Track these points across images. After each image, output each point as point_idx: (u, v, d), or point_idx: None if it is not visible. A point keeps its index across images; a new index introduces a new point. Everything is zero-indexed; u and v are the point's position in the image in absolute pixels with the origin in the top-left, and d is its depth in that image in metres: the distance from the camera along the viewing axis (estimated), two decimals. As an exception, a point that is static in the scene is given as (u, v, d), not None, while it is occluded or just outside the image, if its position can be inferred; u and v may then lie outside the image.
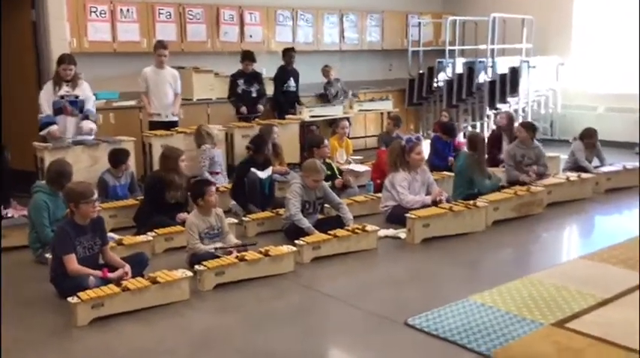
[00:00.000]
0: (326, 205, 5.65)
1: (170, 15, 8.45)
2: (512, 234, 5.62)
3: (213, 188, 4.74)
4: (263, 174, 6.05)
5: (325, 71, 9.32)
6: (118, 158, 5.99)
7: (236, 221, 5.44)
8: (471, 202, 5.68)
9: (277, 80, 8.61)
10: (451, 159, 7.65)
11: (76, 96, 6.33)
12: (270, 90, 8.60)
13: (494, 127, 8.60)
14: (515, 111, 9.59)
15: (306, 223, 5.15)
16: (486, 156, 6.83)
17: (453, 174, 6.81)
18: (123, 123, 7.62)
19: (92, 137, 6.40)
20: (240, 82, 8.03)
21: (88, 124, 6.35)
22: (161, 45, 7.17)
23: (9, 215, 5.40)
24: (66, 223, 4.07)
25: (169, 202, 5.49)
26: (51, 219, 4.67)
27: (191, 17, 8.63)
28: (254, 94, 8.08)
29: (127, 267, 4.11)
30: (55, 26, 6.77)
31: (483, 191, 6.12)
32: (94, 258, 4.16)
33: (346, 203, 5.95)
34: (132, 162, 6.45)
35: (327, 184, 5.63)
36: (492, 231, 5.66)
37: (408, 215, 5.31)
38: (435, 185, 5.98)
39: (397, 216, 5.65)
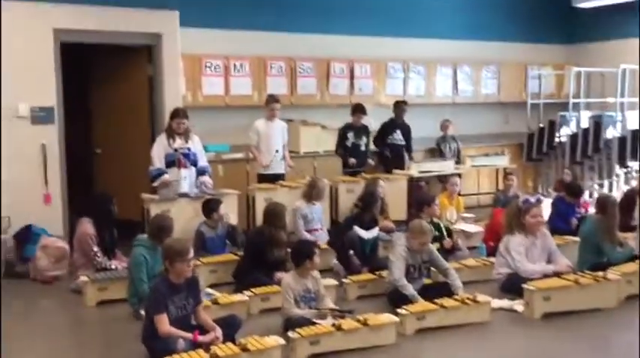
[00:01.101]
0: (433, 269, 5.23)
1: (281, 69, 8.50)
2: (648, 312, 4.91)
3: (317, 252, 4.49)
4: (367, 234, 5.75)
5: (444, 126, 8.97)
6: (209, 207, 5.94)
7: (336, 282, 5.15)
8: (600, 274, 5.03)
9: (382, 132, 8.36)
10: (575, 221, 6.98)
11: (189, 149, 6.41)
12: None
13: (625, 188, 7.81)
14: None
15: (410, 290, 4.77)
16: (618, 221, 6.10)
17: (576, 239, 6.17)
18: (231, 175, 7.64)
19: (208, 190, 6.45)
20: (350, 134, 7.86)
21: (209, 180, 6.45)
22: (274, 99, 7.21)
23: (112, 266, 5.44)
24: (160, 281, 3.97)
25: (270, 260, 5.31)
26: (149, 274, 4.62)
27: (302, 71, 8.65)
28: (362, 148, 7.88)
29: (219, 331, 3.92)
30: (169, 81, 6.98)
31: (614, 261, 5.44)
32: (186, 318, 4.01)
33: (455, 267, 5.51)
34: (235, 215, 6.41)
35: (434, 247, 5.23)
36: (625, 308, 4.97)
37: (525, 285, 4.78)
38: (558, 253, 5.39)
39: (513, 285, 5.11)
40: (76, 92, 7.70)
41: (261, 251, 5.31)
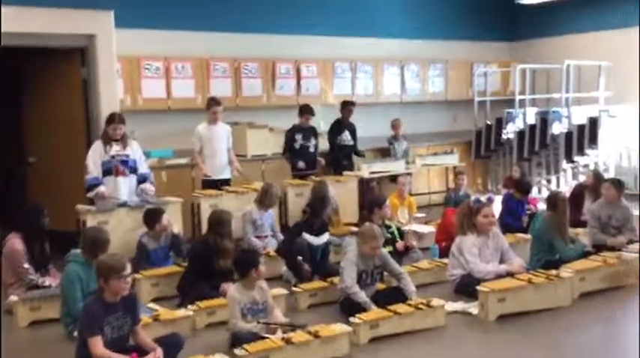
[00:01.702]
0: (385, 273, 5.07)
1: (225, 70, 8.23)
2: (602, 309, 4.87)
3: (262, 261, 4.25)
4: (317, 241, 5.55)
5: (395, 125, 8.85)
6: (151, 218, 5.62)
7: (285, 291, 4.93)
8: (554, 272, 4.96)
9: (331, 133, 8.19)
10: (525, 218, 6.95)
11: (127, 156, 6.09)
12: (323, 144, 8.18)
13: (574, 183, 7.85)
14: (595, 164, 8.80)
15: (362, 297, 4.58)
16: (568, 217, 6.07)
17: (528, 236, 6.13)
18: (175, 182, 7.33)
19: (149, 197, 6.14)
20: (298, 136, 7.64)
21: (150, 187, 6.14)
22: (215, 101, 6.92)
23: (46, 283, 5.07)
24: (94, 300, 3.67)
25: (215, 270, 5.04)
26: (84, 291, 4.29)
27: (246, 72, 8.39)
28: (311, 149, 7.68)
29: (159, 352, 3.65)
30: (105, 85, 6.61)
31: (566, 258, 5.40)
32: (123, 339, 3.72)
33: (408, 270, 5.37)
34: (179, 223, 6.12)
35: (386, 251, 5.07)
36: (579, 306, 4.92)
37: (480, 287, 4.66)
38: (511, 252, 5.30)
39: (467, 287, 5.02)
40: (5, 98, 7.29)
41: (206, 261, 5.04)
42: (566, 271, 5.02)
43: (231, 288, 4.23)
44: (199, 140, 6.84)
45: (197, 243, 5.35)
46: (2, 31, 5.90)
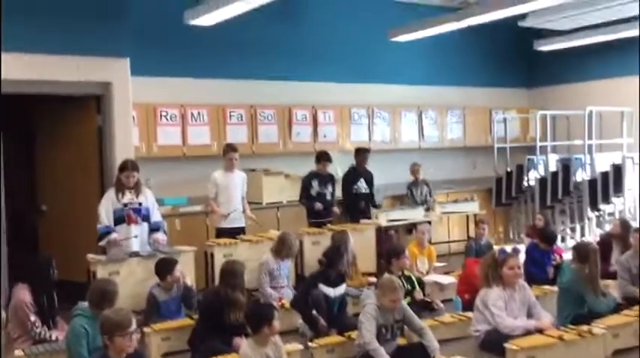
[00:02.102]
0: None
1: (241, 117, 8.17)
2: (639, 369, 4.57)
3: (277, 316, 4.03)
4: (334, 292, 5.32)
5: (414, 170, 8.67)
6: (163, 268, 5.45)
7: (301, 347, 4.69)
8: (585, 328, 4.68)
9: (346, 182, 8.02)
10: (551, 269, 6.68)
11: (140, 204, 5.98)
12: (339, 192, 8.03)
13: (600, 232, 7.57)
14: (621, 212, 8.52)
15: (382, 354, 4.34)
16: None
17: (554, 288, 5.85)
18: (189, 230, 7.19)
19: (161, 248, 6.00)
20: (315, 183, 7.50)
21: (162, 236, 6.02)
22: (231, 148, 6.85)
23: (53, 337, 4.88)
24: (97, 359, 3.47)
25: (227, 324, 4.82)
26: (90, 347, 4.10)
27: (262, 118, 8.32)
28: (328, 197, 7.51)
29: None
30: (120, 132, 6.54)
31: (597, 312, 5.11)
32: (129, 400, 3.50)
33: (430, 324, 5.12)
34: (192, 273, 5.94)
35: (406, 303, 4.83)
36: (613, 365, 4.63)
37: (507, 345, 4.39)
38: (538, 307, 5.01)
39: (493, 344, 4.71)
40: (19, 145, 7.25)
41: (217, 314, 4.83)
42: (597, 327, 4.73)
43: (243, 345, 4.01)
44: (215, 186, 6.72)
45: (208, 296, 5.14)
46: (16, 78, 5.90)
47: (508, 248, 5.25)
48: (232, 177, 6.78)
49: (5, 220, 6.04)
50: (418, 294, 5.63)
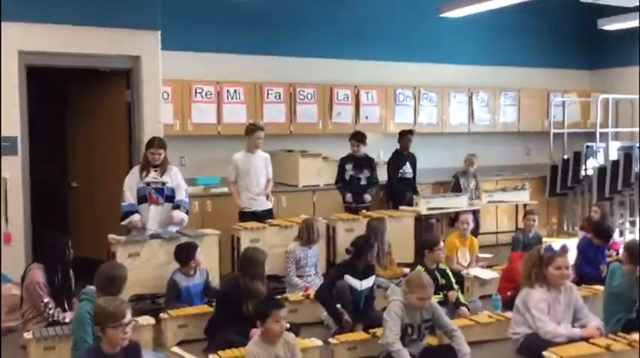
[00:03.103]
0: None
1: (279, 95, 7.84)
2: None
3: (283, 312, 3.70)
4: (361, 285, 4.96)
5: (469, 161, 8.12)
6: (184, 254, 5.22)
7: (320, 343, 4.37)
8: (637, 337, 4.18)
9: (391, 166, 7.62)
10: (605, 267, 6.12)
11: (164, 183, 5.76)
12: (383, 176, 7.61)
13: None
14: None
15: (405, 356, 3.97)
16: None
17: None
18: (220, 211, 6.94)
19: (178, 228, 5.78)
20: (349, 166, 7.13)
21: (179, 214, 5.77)
22: (259, 127, 6.52)
23: (67, 319, 4.71)
24: (89, 352, 3.26)
25: (245, 314, 4.54)
26: (95, 334, 3.87)
27: (302, 97, 7.97)
28: (363, 182, 7.11)
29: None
30: (149, 108, 6.32)
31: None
32: (124, 395, 3.27)
33: (464, 323, 4.74)
34: (216, 258, 5.69)
35: (436, 300, 4.44)
36: (668, 381, 4.11)
37: (546, 353, 3.95)
38: (586, 311, 4.54)
39: (532, 349, 4.28)
40: (51, 121, 7.15)
41: (235, 304, 4.56)
42: (653, 337, 4.22)
43: (251, 343, 3.71)
44: (235, 169, 6.41)
45: (226, 284, 4.88)
46: (46, 50, 5.76)
47: (556, 245, 4.75)
48: (254, 158, 6.46)
49: (30, 199, 5.93)
50: (452, 295, 5.17)
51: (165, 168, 5.79)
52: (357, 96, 8.27)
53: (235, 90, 7.59)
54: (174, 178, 5.83)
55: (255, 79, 7.73)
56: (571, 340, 4.22)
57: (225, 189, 7.09)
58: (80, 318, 3.93)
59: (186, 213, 5.81)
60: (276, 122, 7.74)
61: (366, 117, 8.35)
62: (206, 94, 7.44)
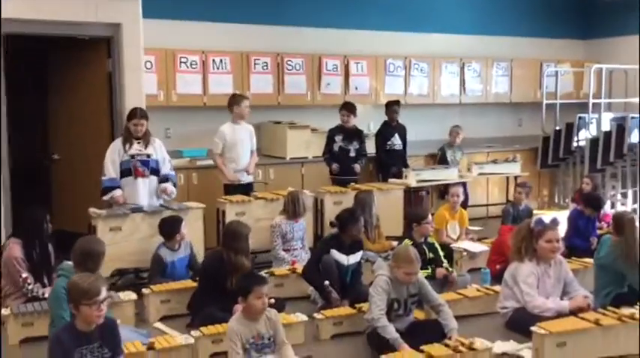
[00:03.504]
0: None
1: (267, 65, 7.64)
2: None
3: (265, 288, 3.59)
4: (347, 260, 4.87)
5: (453, 132, 8.01)
6: (168, 228, 5.11)
7: (305, 318, 4.29)
8: (627, 311, 4.11)
9: (379, 137, 7.49)
10: (595, 240, 6.07)
11: (148, 156, 5.62)
12: (372, 148, 7.48)
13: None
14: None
15: (391, 332, 3.89)
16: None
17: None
18: (205, 184, 6.82)
19: (171, 198, 5.72)
20: (338, 138, 6.99)
21: (169, 186, 5.66)
22: (244, 97, 6.41)
23: (46, 295, 4.60)
24: (64, 329, 3.16)
25: (229, 290, 4.44)
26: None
27: (290, 68, 7.77)
28: (352, 153, 6.99)
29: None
30: (131, 78, 6.13)
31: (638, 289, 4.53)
32: (101, 374, 3.17)
33: (452, 298, 4.67)
34: (200, 232, 5.58)
35: (423, 275, 4.35)
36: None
37: (535, 329, 3.87)
38: (575, 284, 4.48)
39: (521, 323, 4.22)
40: (32, 92, 6.96)
41: (219, 279, 4.46)
42: (642, 310, 4.16)
43: (233, 319, 3.61)
44: (222, 141, 6.28)
45: (210, 258, 4.77)
46: (22, 17, 5.55)
47: (546, 217, 4.66)
48: (240, 130, 6.34)
49: (9, 172, 5.77)
50: (440, 272, 5.07)
51: (148, 139, 5.66)
52: (346, 67, 8.08)
53: (221, 60, 7.39)
54: (159, 151, 5.70)
55: (242, 48, 7.52)
56: (560, 313, 4.16)
57: (211, 162, 6.94)
58: (56, 294, 3.82)
59: (174, 186, 5.68)
60: (263, 93, 7.57)
61: (356, 88, 8.17)
62: (191, 64, 7.23)
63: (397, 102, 7.59)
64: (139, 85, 6.19)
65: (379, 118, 7.85)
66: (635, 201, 8.07)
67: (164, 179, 5.69)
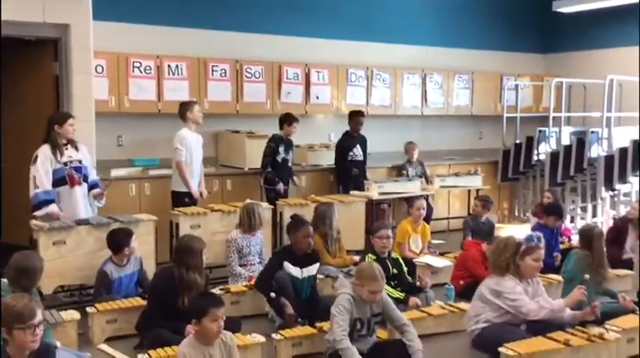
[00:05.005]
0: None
1: (225, 72, 7.39)
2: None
3: (221, 311, 3.31)
4: (301, 273, 4.63)
5: (409, 148, 7.92)
6: (117, 241, 4.78)
7: (262, 339, 4.03)
8: (596, 331, 3.99)
9: (341, 148, 7.32)
10: (558, 255, 5.99)
11: (80, 161, 5.28)
12: (331, 160, 7.32)
13: (614, 214, 6.85)
14: (638, 193, 7.76)
15: (352, 354, 3.66)
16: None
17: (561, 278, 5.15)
18: (158, 195, 6.52)
19: (102, 204, 5.40)
20: (281, 149, 6.78)
21: (103, 193, 5.40)
22: (194, 102, 6.27)
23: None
24: (-7, 356, 2.81)
25: (181, 309, 4.14)
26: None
27: (249, 75, 7.54)
28: (289, 164, 6.88)
29: None
30: (79, 82, 5.79)
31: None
32: (34, 405, 2.85)
33: (415, 316, 4.48)
34: (152, 246, 5.27)
35: (387, 295, 4.15)
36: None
37: (502, 349, 3.70)
38: (544, 295, 4.34)
39: (490, 341, 4.01)
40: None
41: (170, 297, 4.15)
42: (611, 329, 4.04)
43: (184, 343, 3.33)
44: (185, 147, 5.99)
45: (160, 276, 4.46)
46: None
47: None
48: (195, 138, 6.13)
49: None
50: (413, 302, 4.83)
51: (75, 144, 5.29)
52: (307, 76, 7.90)
53: (177, 66, 7.12)
54: (87, 156, 5.37)
55: (199, 53, 7.27)
56: (558, 313, 4.10)
57: (164, 171, 6.64)
58: (-11, 316, 3.47)
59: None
60: (221, 101, 7.33)
61: (317, 98, 8.01)
62: (145, 69, 6.94)
63: (362, 113, 7.47)
64: (88, 90, 5.86)
65: (340, 128, 7.70)
66: (594, 216, 8.06)
67: (93, 186, 5.38)
